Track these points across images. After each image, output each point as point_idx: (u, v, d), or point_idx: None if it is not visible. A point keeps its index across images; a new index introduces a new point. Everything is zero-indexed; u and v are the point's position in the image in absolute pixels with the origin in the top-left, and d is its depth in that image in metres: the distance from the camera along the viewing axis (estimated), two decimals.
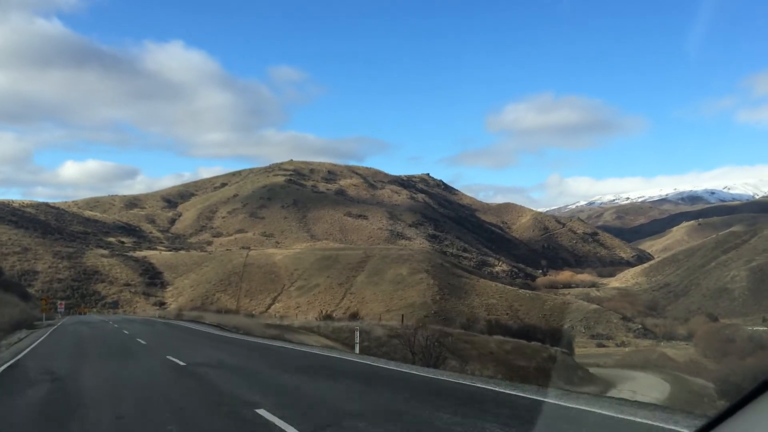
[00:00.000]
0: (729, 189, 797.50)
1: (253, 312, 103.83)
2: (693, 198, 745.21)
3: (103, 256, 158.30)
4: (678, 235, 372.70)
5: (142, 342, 24.28)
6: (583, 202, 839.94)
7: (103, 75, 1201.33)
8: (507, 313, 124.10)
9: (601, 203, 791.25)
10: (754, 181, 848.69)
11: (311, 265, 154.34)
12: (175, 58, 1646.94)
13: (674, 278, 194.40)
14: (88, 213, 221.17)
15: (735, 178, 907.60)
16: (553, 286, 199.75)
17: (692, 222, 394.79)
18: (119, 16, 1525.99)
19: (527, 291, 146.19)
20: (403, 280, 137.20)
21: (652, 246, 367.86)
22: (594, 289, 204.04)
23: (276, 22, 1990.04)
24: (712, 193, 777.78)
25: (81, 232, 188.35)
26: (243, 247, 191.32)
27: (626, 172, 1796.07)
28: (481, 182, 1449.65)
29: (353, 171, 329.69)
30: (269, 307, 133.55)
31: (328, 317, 44.96)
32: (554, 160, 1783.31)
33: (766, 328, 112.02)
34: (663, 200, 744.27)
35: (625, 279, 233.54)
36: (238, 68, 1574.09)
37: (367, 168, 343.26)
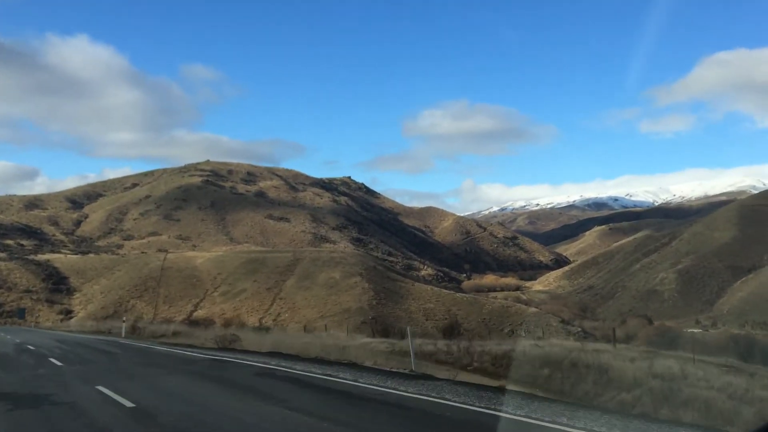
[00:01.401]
0: (631, 196, 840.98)
1: (260, 323, 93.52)
2: (599, 204, 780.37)
3: (0, 259, 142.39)
4: (590, 240, 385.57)
5: None
6: (495, 208, 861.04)
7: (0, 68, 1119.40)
8: (446, 318, 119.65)
9: (513, 209, 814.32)
10: (654, 189, 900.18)
11: (236, 269, 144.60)
12: (79, 53, 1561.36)
13: (597, 281, 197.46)
14: None
15: (636, 186, 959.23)
16: (479, 290, 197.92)
17: (603, 227, 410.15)
18: (19, 7, 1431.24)
19: (464, 295, 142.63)
20: (336, 284, 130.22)
21: (567, 250, 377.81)
22: (520, 292, 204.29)
23: (189, 18, 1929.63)
24: (616, 200, 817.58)
25: None
26: (160, 250, 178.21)
27: (536, 179, 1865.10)
28: (397, 187, 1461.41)
29: (273, 173, 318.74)
30: (191, 314, 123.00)
31: (386, 332, 35.91)
32: (468, 166, 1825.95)
33: (700, 330, 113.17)
34: (571, 206, 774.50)
35: (548, 282, 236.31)
36: (148, 65, 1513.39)
37: (287, 170, 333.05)
